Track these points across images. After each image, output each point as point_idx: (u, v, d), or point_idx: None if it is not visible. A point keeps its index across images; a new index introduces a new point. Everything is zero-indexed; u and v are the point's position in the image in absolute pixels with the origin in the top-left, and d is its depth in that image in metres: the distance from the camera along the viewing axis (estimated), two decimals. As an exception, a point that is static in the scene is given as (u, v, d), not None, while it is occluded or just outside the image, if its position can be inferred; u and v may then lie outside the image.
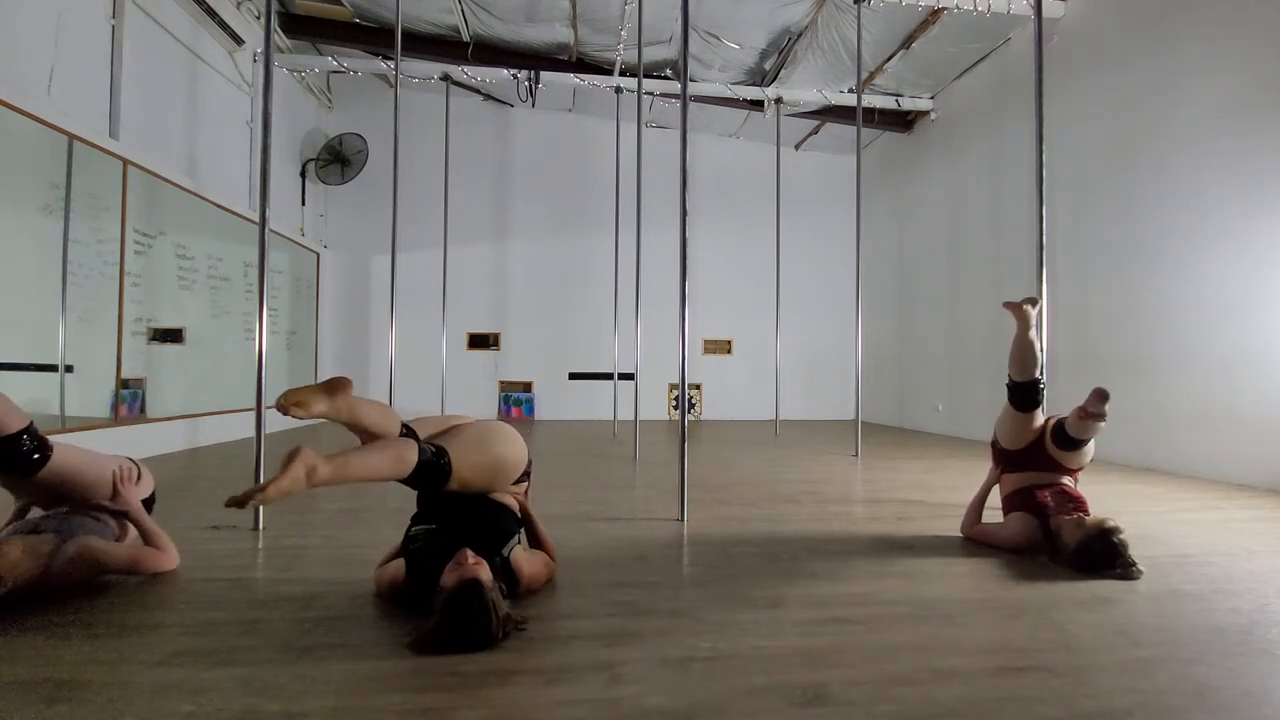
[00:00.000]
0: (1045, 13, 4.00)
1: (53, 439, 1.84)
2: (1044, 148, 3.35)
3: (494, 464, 1.76)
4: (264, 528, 2.57)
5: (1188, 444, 4.16)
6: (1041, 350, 2.67)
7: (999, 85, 6.29)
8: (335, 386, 1.60)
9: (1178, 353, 4.27)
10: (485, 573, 1.52)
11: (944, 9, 5.53)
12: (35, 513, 1.93)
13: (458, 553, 1.55)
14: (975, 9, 5.41)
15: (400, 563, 1.73)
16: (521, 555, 1.76)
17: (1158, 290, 4.45)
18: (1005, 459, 2.49)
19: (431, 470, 1.60)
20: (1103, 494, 3.44)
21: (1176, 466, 4.23)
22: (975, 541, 2.47)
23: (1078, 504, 2.33)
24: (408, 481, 1.59)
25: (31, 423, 1.75)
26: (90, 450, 1.98)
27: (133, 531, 2.04)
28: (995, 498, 2.58)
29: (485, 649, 1.44)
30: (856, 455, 5.05)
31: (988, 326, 6.31)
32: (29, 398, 3.77)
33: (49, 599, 1.69)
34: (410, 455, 1.56)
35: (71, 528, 1.80)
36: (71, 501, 1.91)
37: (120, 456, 2.06)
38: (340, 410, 1.60)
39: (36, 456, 1.75)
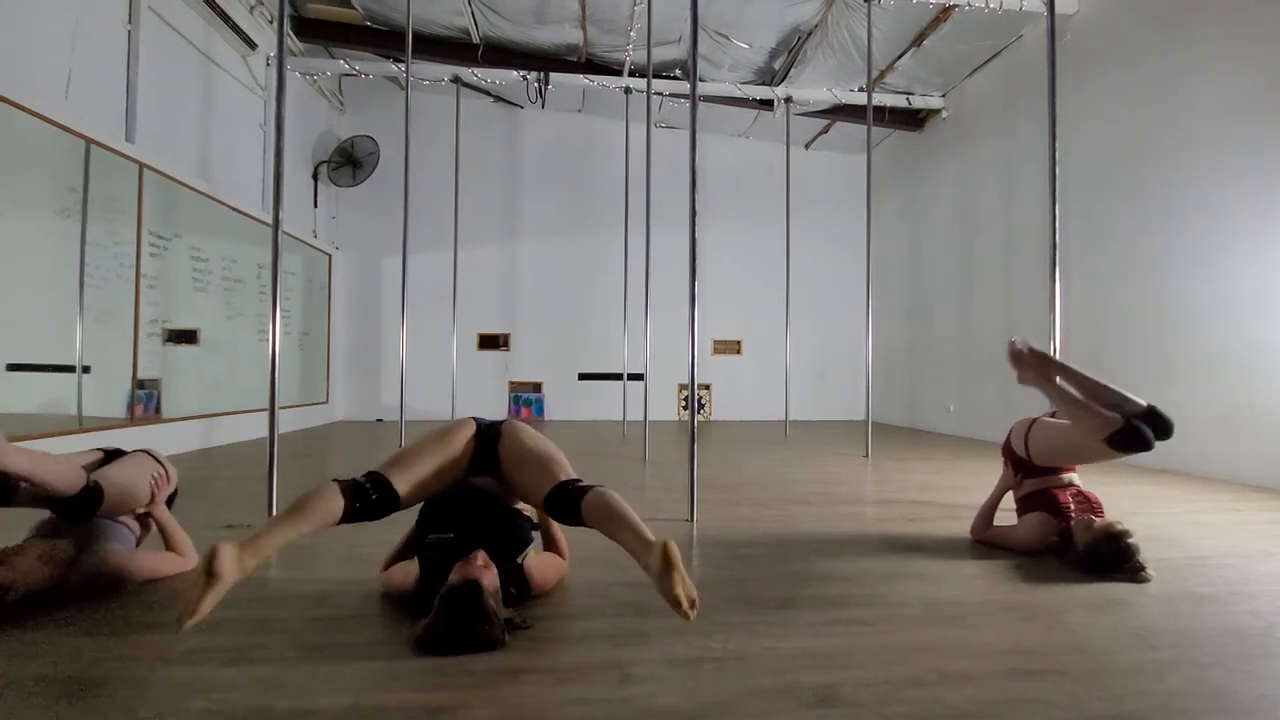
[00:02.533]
0: (1058, 9, 3.96)
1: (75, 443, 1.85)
2: (1057, 146, 3.33)
3: (543, 455, 1.76)
4: (277, 527, 2.58)
5: (1204, 445, 4.11)
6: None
7: (1011, 83, 6.24)
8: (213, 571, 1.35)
9: (1194, 353, 4.21)
10: (490, 577, 1.52)
11: (955, 6, 5.50)
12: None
13: (472, 553, 1.56)
14: (987, 6, 5.37)
15: (410, 568, 1.73)
16: (533, 561, 1.77)
17: (1173, 289, 4.40)
18: (1026, 468, 2.45)
19: (362, 492, 1.58)
20: (1118, 496, 3.41)
21: (1192, 468, 4.18)
22: (987, 544, 2.45)
23: (1093, 506, 2.32)
24: (354, 515, 1.57)
25: (90, 481, 1.73)
26: (129, 463, 1.93)
27: (152, 528, 2.05)
28: (1005, 499, 2.56)
29: (481, 651, 1.44)
30: (867, 456, 5.02)
31: (1000, 326, 6.26)
32: (47, 398, 3.83)
33: (66, 597, 1.71)
34: (335, 504, 1.53)
35: (91, 534, 1.80)
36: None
37: (146, 454, 2.04)
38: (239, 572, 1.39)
39: (93, 505, 1.75)
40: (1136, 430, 2.01)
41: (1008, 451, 2.55)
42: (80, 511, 1.73)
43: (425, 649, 1.45)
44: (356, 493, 1.58)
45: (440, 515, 1.73)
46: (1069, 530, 2.23)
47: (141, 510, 1.96)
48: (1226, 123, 4.07)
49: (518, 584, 1.69)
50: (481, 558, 1.55)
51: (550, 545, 1.99)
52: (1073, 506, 2.30)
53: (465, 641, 1.43)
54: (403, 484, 1.65)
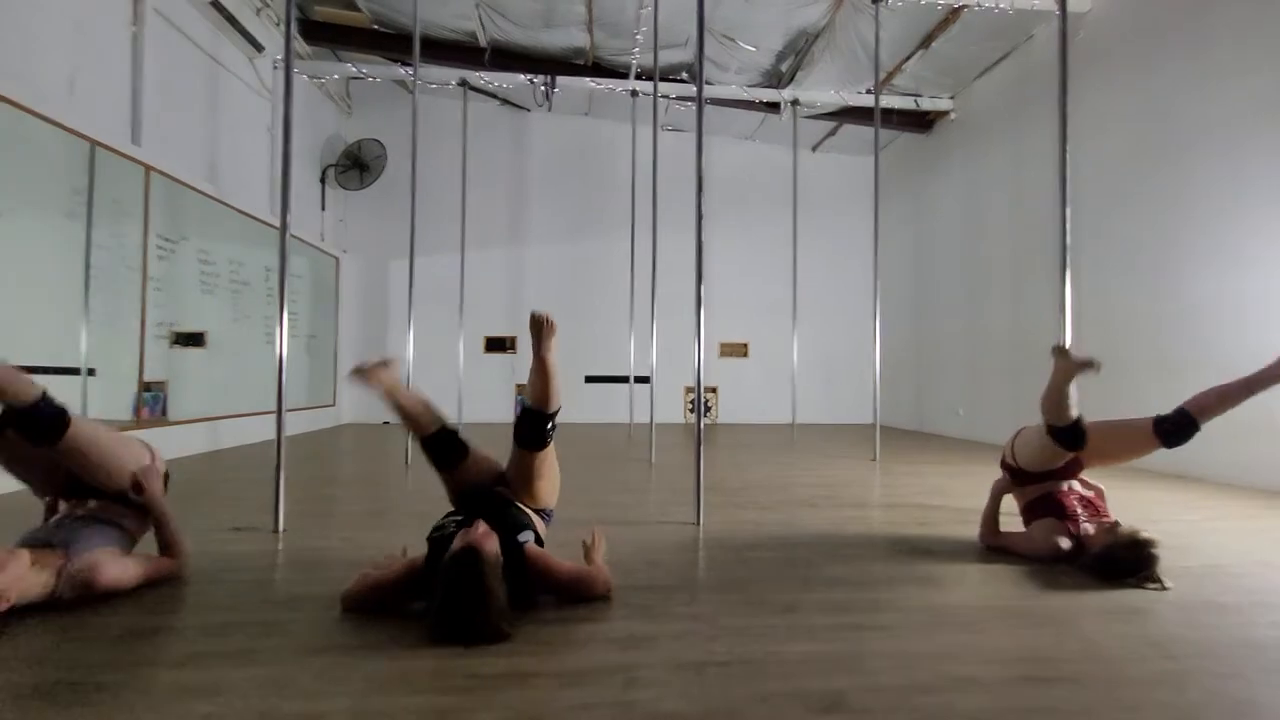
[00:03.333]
0: (1070, 7, 3.92)
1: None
2: (1068, 147, 3.28)
3: (541, 468, 2.03)
4: (284, 529, 2.59)
5: (1222, 450, 4.03)
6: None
7: (1022, 84, 6.20)
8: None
9: (1211, 356, 4.15)
10: (491, 545, 1.59)
11: (964, 6, 5.47)
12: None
13: (474, 522, 1.65)
14: (997, 6, 5.34)
15: (414, 560, 1.74)
16: (534, 548, 1.77)
17: (1189, 292, 4.34)
18: (1024, 476, 2.43)
19: (449, 439, 1.97)
20: (1132, 501, 3.37)
21: (1210, 473, 4.12)
22: (998, 550, 2.41)
23: (1097, 508, 2.31)
24: (430, 442, 1.97)
25: (45, 391, 1.72)
26: (112, 431, 1.97)
27: (136, 514, 1.98)
28: (1009, 503, 2.53)
29: (481, 624, 1.48)
30: (875, 459, 4.99)
31: (1008, 329, 6.22)
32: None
33: (67, 603, 1.69)
34: (435, 415, 1.99)
35: (80, 539, 1.76)
36: (95, 492, 1.89)
37: (137, 440, 2.04)
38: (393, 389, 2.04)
39: (57, 422, 1.72)
40: (1075, 430, 2.20)
41: (1002, 462, 2.56)
42: (40, 427, 1.69)
43: (433, 624, 1.53)
44: (447, 427, 1.99)
45: (455, 508, 1.91)
46: (1079, 534, 2.20)
47: (129, 489, 1.91)
48: (1246, 123, 4.02)
49: (516, 563, 1.70)
50: (482, 526, 1.64)
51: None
52: (1079, 509, 2.28)
53: (466, 606, 1.49)
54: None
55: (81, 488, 1.90)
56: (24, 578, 1.60)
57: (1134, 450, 2.39)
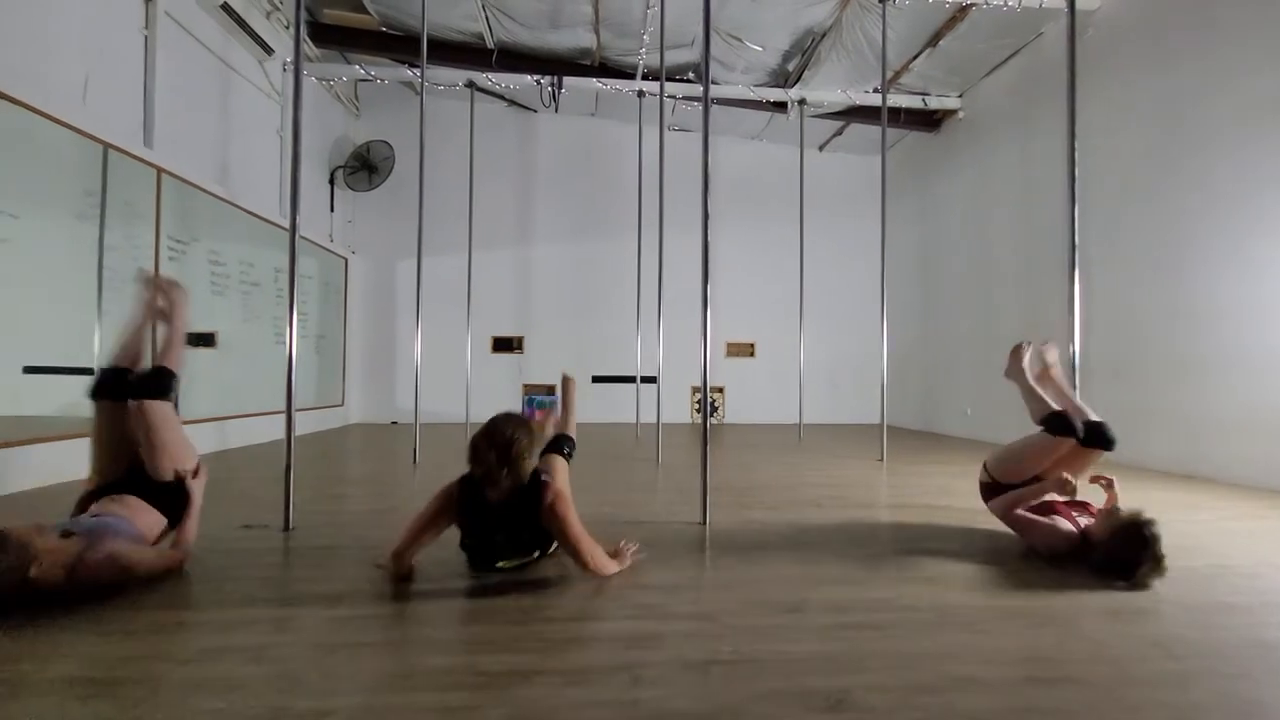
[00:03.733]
0: (1079, 5, 3.90)
1: None
2: (1078, 145, 3.27)
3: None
4: (294, 528, 2.61)
5: (1233, 450, 4.02)
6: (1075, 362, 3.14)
7: (1031, 82, 6.16)
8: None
9: (1220, 356, 4.12)
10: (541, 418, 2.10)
11: (972, 4, 5.45)
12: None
13: None
14: (1005, 4, 5.31)
15: (443, 491, 1.96)
16: (558, 488, 1.93)
17: (1199, 291, 4.31)
18: (1002, 490, 2.52)
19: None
20: (1141, 502, 3.33)
21: (1221, 473, 4.08)
22: (1007, 524, 2.44)
23: (1087, 508, 2.36)
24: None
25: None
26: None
27: (156, 521, 2.07)
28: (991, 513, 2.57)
29: (515, 430, 1.86)
30: (882, 459, 4.98)
31: (1016, 329, 6.18)
32: (66, 400, 3.88)
33: (82, 597, 1.72)
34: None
35: (99, 528, 1.82)
36: (134, 489, 2.03)
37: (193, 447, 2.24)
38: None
39: (170, 387, 2.17)
40: (1063, 416, 2.44)
41: (981, 483, 2.63)
42: (165, 382, 2.17)
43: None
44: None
45: None
46: (1081, 525, 2.22)
47: (170, 475, 2.09)
48: (1255, 124, 3.98)
49: (535, 489, 1.90)
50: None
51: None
52: (1072, 510, 2.33)
53: (494, 426, 1.89)
54: None
55: (128, 483, 2.06)
56: (55, 549, 1.68)
57: (1081, 461, 2.48)
